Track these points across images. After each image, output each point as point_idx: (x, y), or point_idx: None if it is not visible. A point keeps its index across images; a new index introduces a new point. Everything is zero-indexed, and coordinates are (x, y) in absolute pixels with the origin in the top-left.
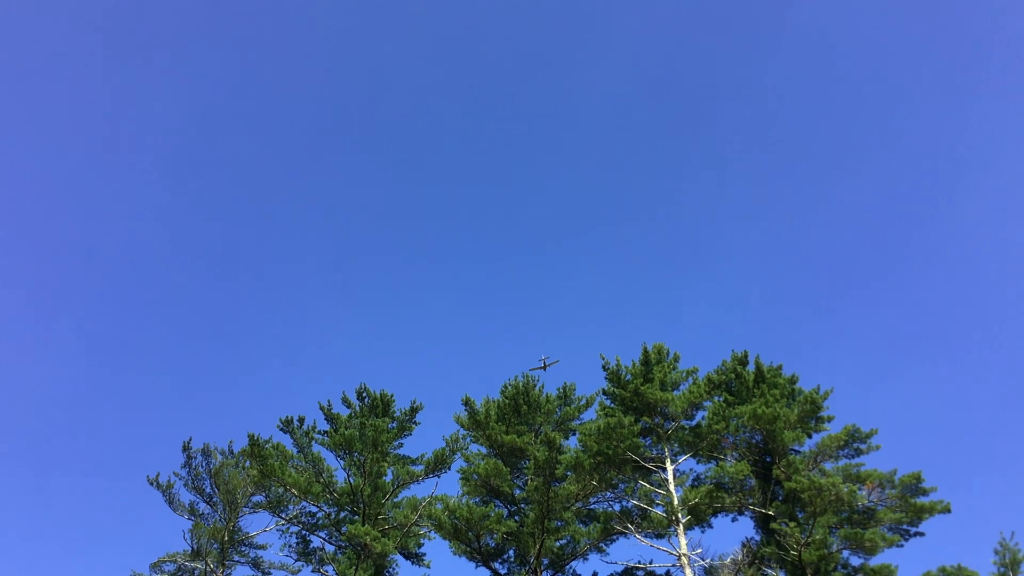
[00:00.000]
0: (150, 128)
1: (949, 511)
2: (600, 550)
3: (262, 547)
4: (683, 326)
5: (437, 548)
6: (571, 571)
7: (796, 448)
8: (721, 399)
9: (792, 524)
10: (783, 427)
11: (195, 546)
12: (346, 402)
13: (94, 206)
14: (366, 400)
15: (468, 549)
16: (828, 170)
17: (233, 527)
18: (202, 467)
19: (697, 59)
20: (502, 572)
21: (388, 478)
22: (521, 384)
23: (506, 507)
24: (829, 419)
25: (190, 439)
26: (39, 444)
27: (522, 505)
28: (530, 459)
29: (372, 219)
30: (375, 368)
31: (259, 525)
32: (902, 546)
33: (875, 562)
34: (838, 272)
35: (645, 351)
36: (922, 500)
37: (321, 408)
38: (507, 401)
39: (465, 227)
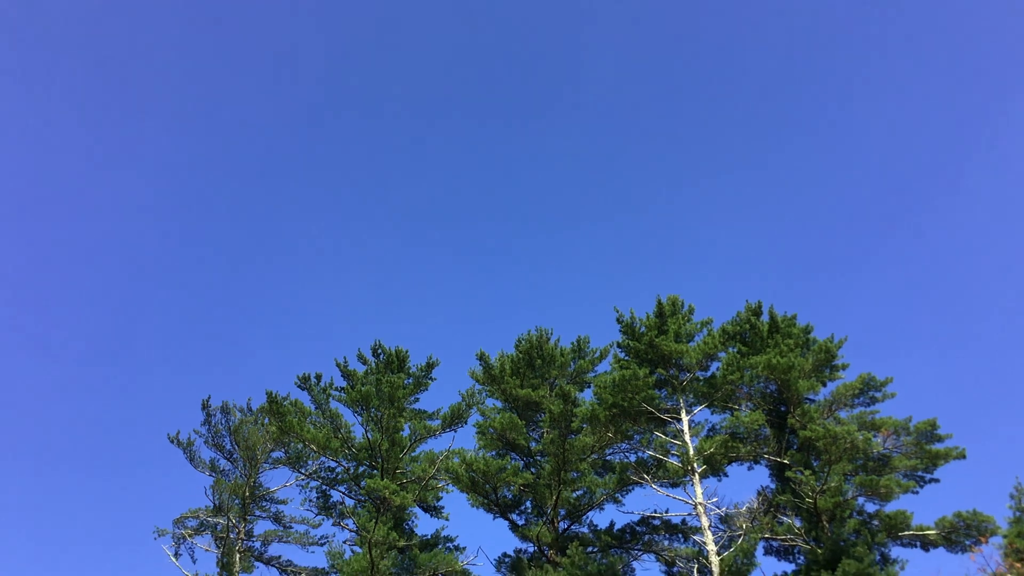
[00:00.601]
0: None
1: (964, 457)
2: (616, 500)
3: (283, 502)
4: (697, 278)
5: (455, 501)
6: (588, 521)
7: (811, 397)
8: (735, 350)
9: (807, 472)
10: (797, 376)
11: (217, 502)
12: (362, 359)
13: (119, 181)
14: (381, 356)
15: (486, 501)
16: (846, 116)
17: (254, 483)
18: (221, 424)
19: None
20: (520, 523)
21: (405, 433)
22: (535, 338)
23: (522, 459)
24: (844, 367)
25: (209, 397)
26: (54, 415)
27: (538, 457)
28: (545, 412)
29: (381, 185)
30: (389, 326)
31: (279, 480)
32: (917, 492)
33: (890, 508)
34: (852, 221)
35: (659, 303)
36: (937, 447)
37: (337, 365)
38: (521, 355)
39: (478, 190)
